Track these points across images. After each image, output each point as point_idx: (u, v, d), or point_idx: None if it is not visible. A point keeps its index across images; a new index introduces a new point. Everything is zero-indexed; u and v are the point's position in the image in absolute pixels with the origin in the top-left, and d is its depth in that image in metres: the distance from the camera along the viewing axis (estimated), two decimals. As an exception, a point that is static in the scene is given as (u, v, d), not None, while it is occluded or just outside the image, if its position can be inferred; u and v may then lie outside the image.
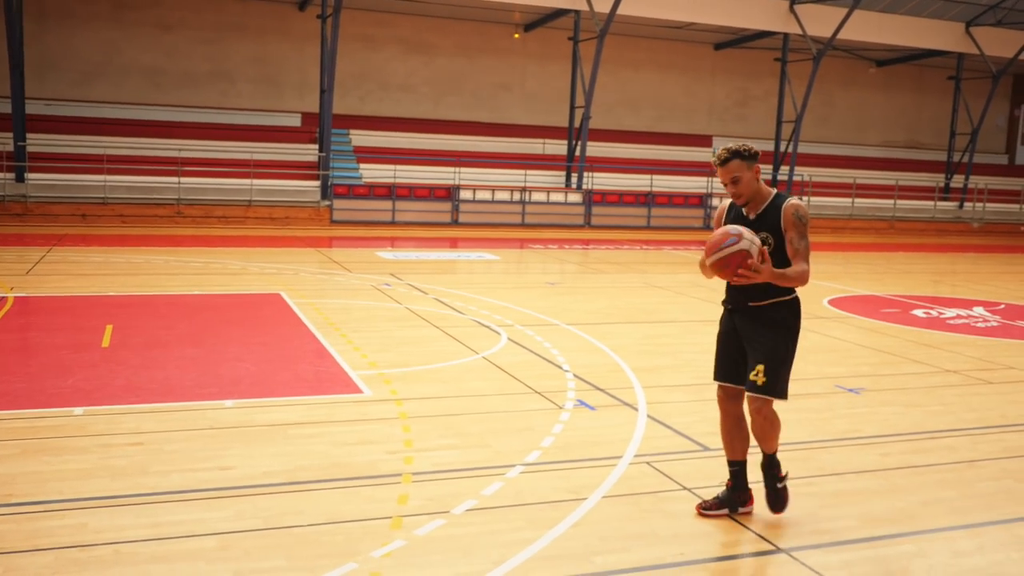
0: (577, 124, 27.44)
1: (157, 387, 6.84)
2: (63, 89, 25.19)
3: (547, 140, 29.67)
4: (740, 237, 4.28)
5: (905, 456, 5.83)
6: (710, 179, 29.28)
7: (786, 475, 4.72)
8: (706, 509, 4.68)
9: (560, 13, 27.14)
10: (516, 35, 30.03)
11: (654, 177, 28.46)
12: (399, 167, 25.80)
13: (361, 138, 27.51)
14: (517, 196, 26.29)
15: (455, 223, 25.42)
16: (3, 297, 10.62)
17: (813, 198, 30.67)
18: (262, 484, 4.89)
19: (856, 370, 8.39)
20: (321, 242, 19.76)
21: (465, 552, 4.11)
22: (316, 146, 25.33)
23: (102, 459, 5.17)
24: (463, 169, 26.70)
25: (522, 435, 5.95)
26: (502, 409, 6.62)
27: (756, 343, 4.53)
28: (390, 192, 24.93)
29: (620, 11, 25.65)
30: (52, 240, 17.58)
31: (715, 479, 5.17)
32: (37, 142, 22.67)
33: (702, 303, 12.28)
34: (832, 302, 12.90)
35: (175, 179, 22.93)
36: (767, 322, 4.55)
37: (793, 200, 4.53)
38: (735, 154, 4.46)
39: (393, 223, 24.73)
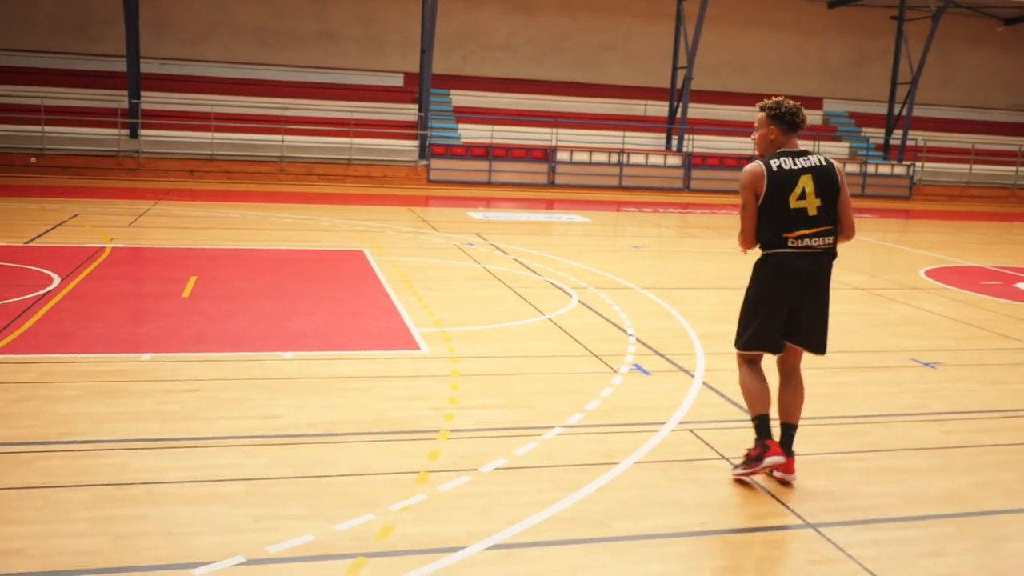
0: (679, 85, 26.82)
1: (225, 337, 7.10)
2: (177, 49, 26.09)
3: (649, 101, 29.12)
4: None
5: (970, 435, 5.54)
6: (817, 142, 28.22)
7: (749, 453, 4.65)
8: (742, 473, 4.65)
9: (665, -30, 26.44)
10: (620, -7, 29.44)
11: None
12: (497, 128, 25.80)
13: (461, 98, 27.61)
14: (615, 158, 25.95)
15: (551, 184, 25.31)
16: (102, 247, 11.17)
17: (927, 164, 29.22)
18: (302, 434, 5.02)
19: (938, 343, 8.00)
20: (416, 201, 20.01)
21: (482, 510, 4.13)
22: (416, 106, 25.56)
23: (158, 404, 5.41)
24: (561, 130, 26.50)
25: (569, 397, 5.92)
26: (555, 371, 6.60)
27: None
28: (487, 152, 24.98)
29: (726, -33, 24.79)
30: (160, 194, 18.37)
31: (757, 450, 5.03)
32: (151, 100, 23.62)
33: (789, 270, 11.89)
34: (929, 272, 12.31)
35: (279, 137, 23.57)
36: None
37: (746, 166, 4.57)
38: (763, 108, 4.59)
39: (489, 183, 24.81)
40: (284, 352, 6.71)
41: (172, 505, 4.05)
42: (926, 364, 7.23)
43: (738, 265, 12.39)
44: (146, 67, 24.19)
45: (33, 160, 21.73)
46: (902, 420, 5.79)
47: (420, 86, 24.71)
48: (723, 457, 4.94)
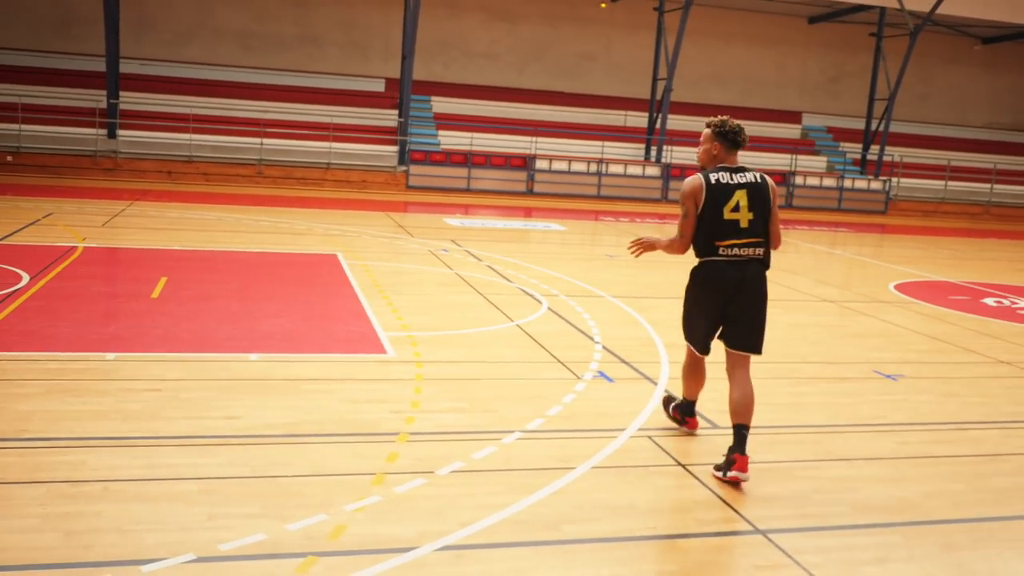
0: (659, 96, 27.00)
1: (191, 338, 7.09)
2: (158, 50, 26.01)
3: (629, 112, 29.29)
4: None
5: (924, 446, 5.63)
6: (795, 156, 28.48)
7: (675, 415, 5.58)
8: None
9: (647, -18, 26.65)
10: (603, 4, 29.62)
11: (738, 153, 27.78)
12: (476, 135, 25.88)
13: (442, 105, 27.67)
14: (594, 168, 26.08)
15: (530, 192, 25.39)
16: (74, 247, 11.12)
17: (903, 179, 29.54)
18: (262, 435, 5.04)
19: (901, 356, 8.11)
20: (394, 207, 20.03)
21: (436, 512, 4.16)
22: (396, 112, 25.59)
23: (119, 403, 5.41)
24: (540, 139, 26.60)
25: (531, 403, 5.96)
26: (519, 376, 6.65)
27: None
28: (466, 160, 25.04)
29: (707, -19, 25.04)
30: (136, 195, 18.29)
31: (713, 456, 5.09)
32: (130, 100, 23.53)
33: (760, 282, 12.00)
34: (899, 287, 12.45)
35: (258, 140, 23.53)
36: None
37: (688, 178, 4.98)
38: (709, 124, 5.02)
39: (468, 191, 24.86)
40: (250, 353, 6.72)
41: (126, 503, 4.06)
42: (888, 376, 7.33)
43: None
44: (126, 67, 24.12)
45: (9, 158, 21.58)
46: (859, 430, 5.87)
47: (400, 92, 24.75)
48: (679, 463, 5.00)
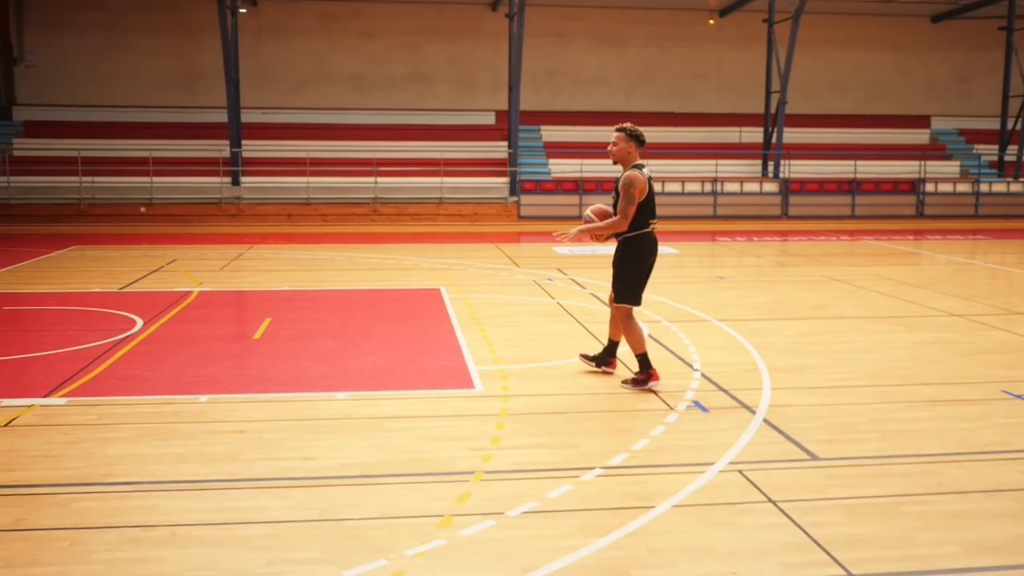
0: (774, 110, 26.21)
1: (284, 378, 7.17)
2: (277, 98, 27.14)
3: (744, 128, 28.55)
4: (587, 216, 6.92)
5: (1054, 475, 5.06)
6: (923, 163, 27.04)
7: (637, 377, 6.82)
8: (584, 357, 7.40)
9: (755, -6, 26.03)
10: (711, 21, 29.10)
11: (858, 163, 26.65)
12: (587, 161, 25.73)
13: (551, 133, 27.70)
14: (708, 187, 25.48)
15: (643, 216, 24.97)
16: (190, 291, 11.56)
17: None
18: (336, 476, 4.98)
19: (1034, 374, 7.41)
20: (505, 238, 20.06)
21: (499, 557, 3.98)
22: (506, 143, 25.75)
23: (203, 445, 5.48)
24: (652, 160, 26.20)
25: (616, 436, 5.71)
26: (608, 408, 6.40)
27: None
28: (577, 187, 24.91)
29: (818, -12, 24.23)
30: (257, 239, 18.98)
31: (813, 491, 4.72)
32: (252, 148, 24.60)
33: (881, 298, 11.33)
34: (1038, 297, 11.50)
35: (372, 179, 24.12)
36: (616, 254, 6.91)
37: (628, 172, 6.63)
38: (622, 129, 6.74)
39: (580, 218, 24.59)
40: (338, 392, 6.73)
41: (190, 548, 4.05)
42: (1017, 396, 6.70)
43: (826, 292, 11.90)
44: (248, 116, 25.27)
45: (143, 209, 22.85)
46: (978, 459, 5.34)
47: (508, 123, 24.91)
48: (769, 500, 4.65)
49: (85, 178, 23.23)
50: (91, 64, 26.53)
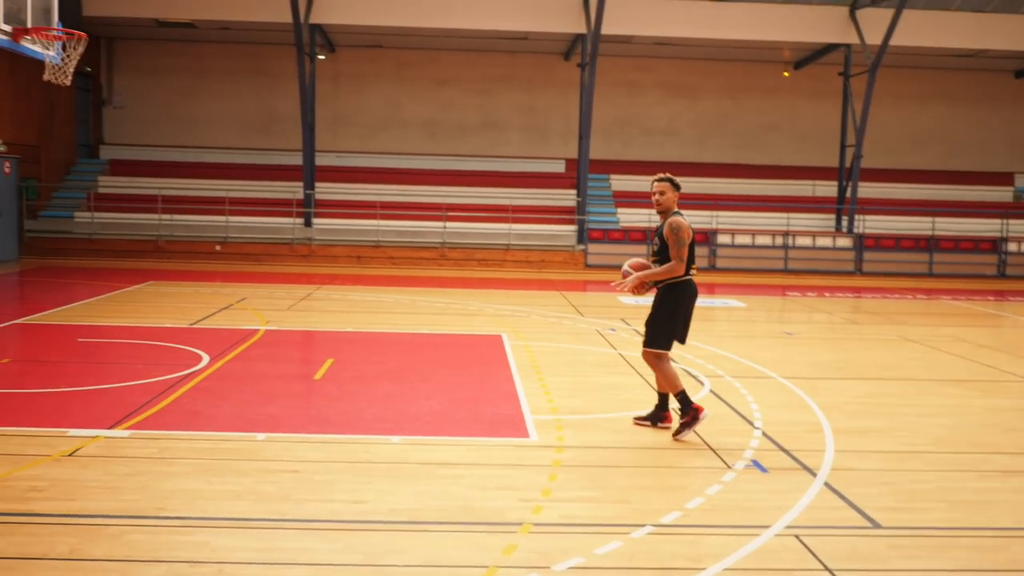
0: (848, 164, 25.80)
1: (340, 419, 7.22)
2: (351, 142, 27.78)
3: (817, 181, 28.13)
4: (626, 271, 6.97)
5: None
6: (1006, 221, 26.25)
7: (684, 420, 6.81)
8: (638, 420, 7.21)
9: (831, 48, 25.79)
10: (786, 73, 28.91)
11: (937, 220, 25.99)
12: (655, 211, 25.59)
13: (621, 183, 27.71)
14: (779, 240, 25.12)
15: (712, 268, 24.73)
16: (256, 329, 11.78)
17: None
18: (384, 520, 4.97)
19: (1118, 447, 7.04)
20: (571, 286, 20.04)
21: (542, 612, 3.90)
22: (575, 191, 25.84)
23: (256, 483, 5.52)
24: (721, 212, 26.01)
25: (670, 493, 5.59)
26: (663, 464, 6.28)
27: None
28: (645, 236, 24.80)
29: (895, 42, 23.92)
30: (326, 280, 19.31)
31: (871, 561, 4.53)
32: (324, 191, 25.16)
33: (956, 360, 10.95)
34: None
35: (441, 224, 24.41)
36: (655, 300, 6.96)
37: (672, 218, 6.85)
38: (666, 179, 7.02)
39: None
40: (392, 436, 6.74)
41: (235, 588, 4.07)
42: (1098, 470, 6.36)
43: (898, 353, 11.55)
44: (323, 160, 25.89)
45: (218, 248, 23.48)
46: (1054, 535, 5.07)
47: (578, 171, 25.02)
48: (826, 568, 4.48)
49: (164, 216, 24.02)
50: (174, 106, 27.58)
